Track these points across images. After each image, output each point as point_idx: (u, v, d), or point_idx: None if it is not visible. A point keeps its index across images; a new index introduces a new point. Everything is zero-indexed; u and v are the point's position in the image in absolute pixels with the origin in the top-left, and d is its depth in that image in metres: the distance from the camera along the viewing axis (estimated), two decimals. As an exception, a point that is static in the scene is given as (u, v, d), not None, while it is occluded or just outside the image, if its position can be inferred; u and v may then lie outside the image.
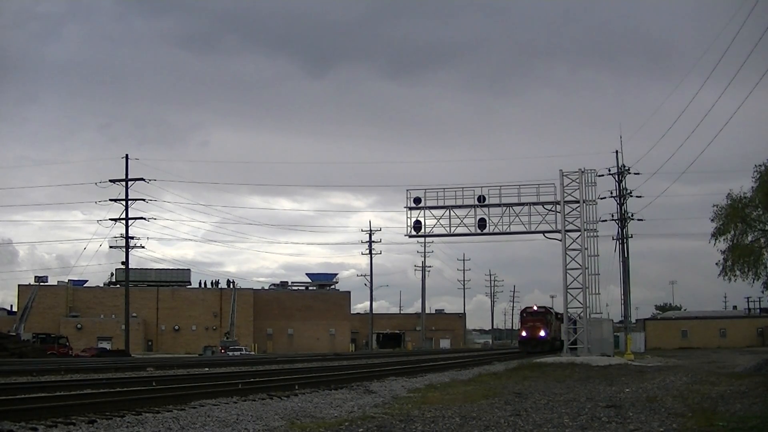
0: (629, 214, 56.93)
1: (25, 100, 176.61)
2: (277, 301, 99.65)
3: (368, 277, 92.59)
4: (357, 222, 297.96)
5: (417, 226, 46.78)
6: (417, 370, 29.92)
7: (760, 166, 36.53)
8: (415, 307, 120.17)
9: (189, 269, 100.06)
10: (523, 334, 60.83)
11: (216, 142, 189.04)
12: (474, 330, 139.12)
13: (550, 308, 66.80)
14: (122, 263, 64.45)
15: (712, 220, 39.47)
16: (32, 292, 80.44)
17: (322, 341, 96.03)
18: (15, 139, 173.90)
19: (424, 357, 52.94)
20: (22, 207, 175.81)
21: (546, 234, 46.30)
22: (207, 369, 33.02)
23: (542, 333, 59.02)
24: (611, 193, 56.09)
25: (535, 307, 63.06)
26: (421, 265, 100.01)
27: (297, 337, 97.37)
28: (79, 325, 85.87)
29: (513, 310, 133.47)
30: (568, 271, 45.03)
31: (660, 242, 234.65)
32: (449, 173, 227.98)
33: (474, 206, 46.06)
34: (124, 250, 62.86)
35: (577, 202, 45.00)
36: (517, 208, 45.73)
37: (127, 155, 62.22)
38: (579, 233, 44.81)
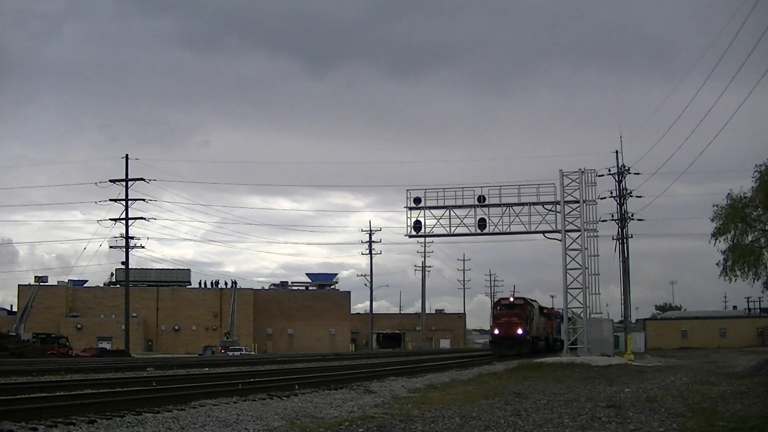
0: (629, 214, 56.96)
1: (25, 100, 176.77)
2: (277, 301, 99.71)
3: (368, 277, 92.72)
4: (357, 222, 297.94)
5: (417, 226, 46.78)
6: (417, 370, 29.91)
7: (760, 165, 36.46)
8: (415, 307, 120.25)
9: (189, 269, 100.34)
10: (496, 332, 49.81)
11: (216, 141, 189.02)
12: (474, 330, 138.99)
13: (532, 300, 55.68)
14: (122, 263, 64.49)
15: (712, 220, 39.43)
16: (32, 292, 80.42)
17: (322, 341, 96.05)
18: (15, 139, 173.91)
19: (424, 357, 52.89)
20: (21, 207, 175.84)
21: (546, 234, 46.32)
22: (207, 369, 33.00)
23: (519, 331, 48.51)
24: (611, 193, 56.16)
25: (512, 299, 53.61)
26: (421, 265, 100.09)
27: (297, 337, 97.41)
28: (79, 325, 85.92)
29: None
30: (568, 271, 45.04)
31: (660, 242, 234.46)
32: (449, 173, 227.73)
33: (474, 206, 46.06)
34: (124, 250, 62.89)
35: (577, 202, 45.01)
36: (517, 208, 45.74)
37: (127, 155, 62.30)
38: (579, 233, 44.82)
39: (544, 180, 46.28)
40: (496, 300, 57.38)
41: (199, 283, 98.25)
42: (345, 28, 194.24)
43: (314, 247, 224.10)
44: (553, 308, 70.34)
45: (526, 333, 49.03)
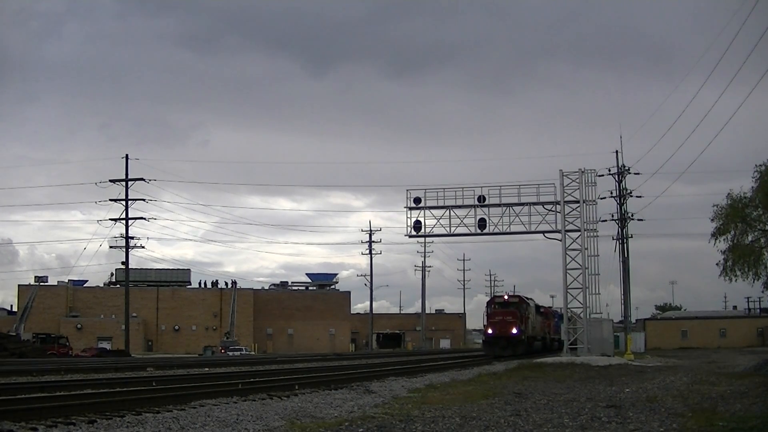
0: (629, 214, 56.96)
1: (25, 100, 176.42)
2: (277, 301, 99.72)
3: (368, 277, 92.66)
4: (357, 222, 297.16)
5: (417, 226, 46.76)
6: (417, 370, 29.92)
7: (760, 165, 36.52)
8: (415, 307, 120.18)
9: (189, 269, 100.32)
10: (489, 331, 47.93)
11: (216, 141, 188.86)
12: (474, 330, 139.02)
13: (527, 298, 54.11)
14: (122, 263, 64.44)
15: (712, 220, 39.46)
16: (32, 292, 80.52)
17: (322, 341, 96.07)
18: (14, 139, 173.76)
19: (424, 357, 52.85)
20: (21, 207, 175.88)
21: (546, 234, 46.29)
22: (207, 369, 33.01)
23: (514, 330, 46.75)
24: (611, 193, 56.13)
25: (506, 297, 51.78)
26: (421, 265, 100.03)
27: (297, 337, 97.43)
28: (79, 325, 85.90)
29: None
30: (568, 271, 45.03)
31: (660, 242, 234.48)
32: (449, 173, 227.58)
33: (474, 206, 46.04)
34: (124, 250, 62.89)
35: (577, 202, 45.01)
36: (517, 208, 45.73)
37: (127, 155, 62.25)
38: (579, 233, 44.82)
39: (544, 180, 46.33)
40: (489, 298, 54.88)
41: (199, 283, 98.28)
42: (345, 28, 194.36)
43: (314, 247, 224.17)
44: (550, 307, 69.87)
45: (521, 332, 47.34)
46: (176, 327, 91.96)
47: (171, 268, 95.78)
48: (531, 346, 50.48)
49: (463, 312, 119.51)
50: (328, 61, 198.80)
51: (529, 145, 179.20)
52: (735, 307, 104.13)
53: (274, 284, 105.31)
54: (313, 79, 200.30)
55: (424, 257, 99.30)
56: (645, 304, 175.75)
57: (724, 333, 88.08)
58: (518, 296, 53.00)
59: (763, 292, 52.60)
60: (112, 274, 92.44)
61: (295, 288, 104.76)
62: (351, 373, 27.43)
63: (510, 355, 44.77)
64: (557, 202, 45.28)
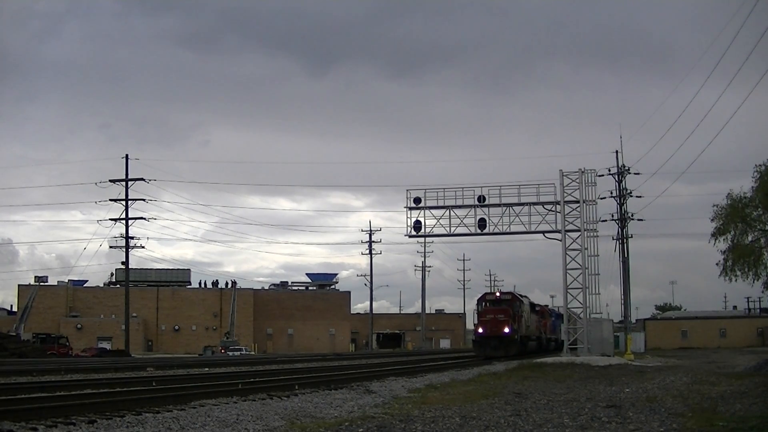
0: (629, 214, 56.99)
1: (25, 100, 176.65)
2: (277, 301, 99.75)
3: (368, 277, 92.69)
4: (356, 222, 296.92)
5: (417, 226, 46.74)
6: (417, 370, 29.91)
7: (760, 166, 36.55)
8: (415, 307, 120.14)
9: (189, 269, 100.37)
10: (480, 330, 45.72)
11: (216, 141, 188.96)
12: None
13: (522, 296, 51.74)
14: (122, 263, 64.53)
15: (712, 220, 39.48)
16: (32, 292, 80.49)
17: (322, 341, 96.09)
18: (14, 139, 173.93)
19: (424, 357, 52.86)
20: (21, 207, 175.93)
21: (546, 234, 46.28)
22: (207, 369, 33.03)
23: (506, 329, 44.67)
24: (611, 193, 56.19)
25: (498, 294, 49.74)
26: (421, 265, 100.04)
27: (297, 337, 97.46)
28: (79, 325, 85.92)
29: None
30: (568, 271, 45.03)
31: (660, 242, 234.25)
32: (449, 173, 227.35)
33: (474, 206, 46.02)
34: (124, 250, 62.93)
35: (577, 202, 45.02)
36: (517, 208, 45.72)
37: (127, 155, 62.35)
38: (579, 233, 44.82)
39: (544, 180, 46.30)
40: (480, 295, 51.98)
41: (199, 283, 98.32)
42: (345, 28, 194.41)
43: (314, 247, 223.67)
44: (546, 306, 69.30)
45: (513, 332, 45.32)
46: (176, 327, 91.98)
47: (171, 268, 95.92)
48: (525, 346, 48.69)
49: (463, 312, 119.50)
50: (328, 61, 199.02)
51: (529, 145, 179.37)
52: (735, 307, 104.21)
53: (274, 284, 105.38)
54: (313, 79, 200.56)
55: (424, 257, 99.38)
56: (645, 304, 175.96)
57: (724, 333, 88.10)
58: (511, 293, 51.00)
59: (763, 292, 52.62)
60: (112, 274, 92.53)
61: (295, 288, 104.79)
62: (351, 373, 27.43)
63: (502, 355, 43.04)
64: (557, 202, 45.28)
